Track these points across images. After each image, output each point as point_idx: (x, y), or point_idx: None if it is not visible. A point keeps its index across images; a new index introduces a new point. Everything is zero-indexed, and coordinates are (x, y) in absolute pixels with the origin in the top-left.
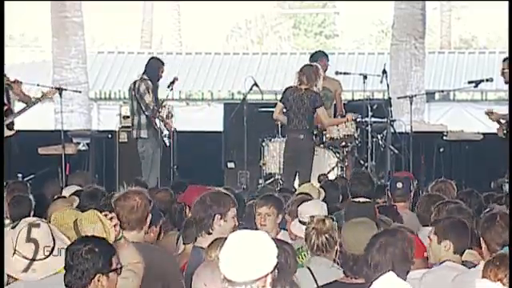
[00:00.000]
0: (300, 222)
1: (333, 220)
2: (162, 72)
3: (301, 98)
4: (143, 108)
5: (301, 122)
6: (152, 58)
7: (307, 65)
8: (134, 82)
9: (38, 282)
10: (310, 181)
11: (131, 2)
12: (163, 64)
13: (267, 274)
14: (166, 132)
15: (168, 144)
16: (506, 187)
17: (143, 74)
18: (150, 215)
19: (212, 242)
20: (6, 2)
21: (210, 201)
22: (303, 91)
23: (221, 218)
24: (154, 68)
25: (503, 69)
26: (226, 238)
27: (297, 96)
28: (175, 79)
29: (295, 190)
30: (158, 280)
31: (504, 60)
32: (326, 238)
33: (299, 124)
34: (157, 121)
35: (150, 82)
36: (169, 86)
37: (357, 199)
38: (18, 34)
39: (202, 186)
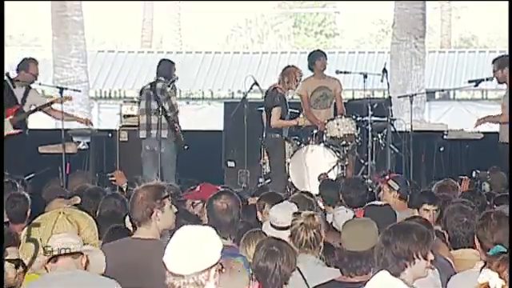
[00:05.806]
0: (271, 225)
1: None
2: (175, 74)
3: (266, 99)
4: (167, 109)
5: (270, 122)
6: (163, 60)
7: (286, 66)
8: (153, 83)
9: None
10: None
11: (131, 1)
12: (173, 64)
13: (211, 267)
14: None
15: (187, 146)
16: (485, 186)
17: (157, 75)
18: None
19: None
20: (5, 2)
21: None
22: (269, 92)
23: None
24: (167, 69)
25: (494, 70)
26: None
27: (265, 97)
28: (175, 78)
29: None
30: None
31: (493, 62)
32: (314, 233)
33: (270, 124)
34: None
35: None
36: (169, 85)
37: (376, 202)
38: (18, 33)
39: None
